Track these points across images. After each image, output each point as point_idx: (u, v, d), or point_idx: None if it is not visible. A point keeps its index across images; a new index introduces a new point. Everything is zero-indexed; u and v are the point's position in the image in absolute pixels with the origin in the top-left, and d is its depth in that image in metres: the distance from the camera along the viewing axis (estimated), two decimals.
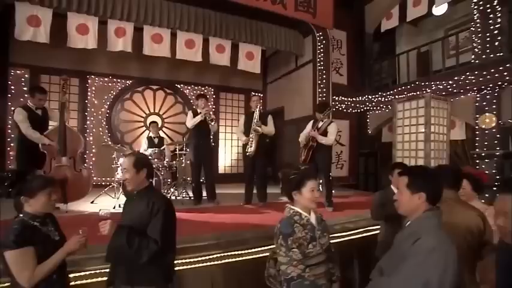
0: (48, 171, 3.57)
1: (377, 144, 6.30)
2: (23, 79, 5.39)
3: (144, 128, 6.26)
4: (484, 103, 4.42)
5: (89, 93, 5.89)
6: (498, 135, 4.27)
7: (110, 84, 6.03)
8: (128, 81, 6.17)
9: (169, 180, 4.61)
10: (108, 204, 3.84)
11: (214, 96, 7.00)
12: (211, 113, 4.38)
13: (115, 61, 5.88)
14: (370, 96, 6.09)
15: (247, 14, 5.23)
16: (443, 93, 4.79)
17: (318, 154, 3.99)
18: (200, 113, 4.23)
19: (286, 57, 6.60)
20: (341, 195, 4.79)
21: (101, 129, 5.94)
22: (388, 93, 5.68)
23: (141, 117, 6.29)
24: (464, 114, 4.75)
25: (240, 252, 2.45)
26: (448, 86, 4.77)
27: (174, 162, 4.68)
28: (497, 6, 4.35)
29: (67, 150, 3.64)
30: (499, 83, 4.21)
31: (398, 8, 5.71)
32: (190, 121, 4.23)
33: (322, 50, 5.66)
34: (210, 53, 5.19)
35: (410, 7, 5.48)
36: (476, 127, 4.51)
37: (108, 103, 5.99)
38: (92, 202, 4.12)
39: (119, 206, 3.69)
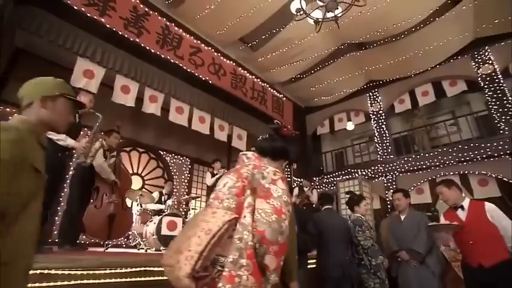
0: (99, 206, 3.59)
1: None
2: (10, 117, 5.01)
3: None
4: (389, 184, 7.14)
5: None
6: None
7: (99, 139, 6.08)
8: None
9: None
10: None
11: (190, 166, 7.72)
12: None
13: (108, 119, 6.16)
14: (314, 178, 8.26)
15: (241, 107, 6.98)
16: (366, 177, 7.37)
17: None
18: (217, 173, 5.24)
19: (252, 143, 8.33)
20: None
21: None
22: (330, 175, 8.01)
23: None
24: (379, 191, 7.33)
25: None
26: (368, 173, 7.44)
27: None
28: (386, 130, 7.67)
29: (119, 188, 3.81)
30: (395, 172, 7.09)
31: (328, 121, 8.77)
32: (211, 179, 5.14)
33: None
34: (214, 130, 6.41)
35: (336, 122, 8.60)
36: (387, 199, 7.05)
37: None
38: (106, 249, 3.95)
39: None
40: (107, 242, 3.86)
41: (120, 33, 4.71)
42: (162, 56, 5.26)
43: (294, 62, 6.98)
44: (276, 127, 1.46)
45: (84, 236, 3.74)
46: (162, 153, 7.21)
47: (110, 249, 3.92)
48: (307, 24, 4.62)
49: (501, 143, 5.80)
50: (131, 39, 4.86)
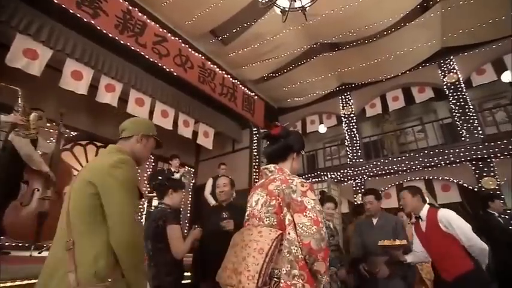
0: (27, 203, 3.11)
1: None
2: None
3: None
4: (357, 188, 7.10)
5: None
6: None
7: (51, 130, 5.48)
8: (72, 132, 5.81)
9: None
10: None
11: (153, 164, 7.25)
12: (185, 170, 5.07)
13: (53, 106, 5.58)
14: None
15: (208, 103, 6.65)
16: (335, 180, 7.29)
17: None
18: (175, 171, 4.87)
19: (222, 142, 8.03)
20: None
21: None
22: (302, 177, 7.84)
23: (77, 170, 5.73)
24: (348, 195, 7.28)
25: None
26: (338, 176, 7.36)
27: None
28: (356, 134, 7.66)
29: (56, 182, 3.35)
30: (364, 176, 7.07)
31: (301, 123, 8.66)
32: None
33: (256, 141, 7.54)
34: (178, 125, 6.03)
35: (308, 124, 8.50)
36: (355, 203, 6.99)
37: None
38: (39, 253, 3.47)
39: None
40: (41, 245, 3.39)
41: (71, 11, 4.23)
42: (122, 42, 4.82)
43: (266, 60, 6.78)
44: (265, 134, 1.56)
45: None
46: None
47: (43, 253, 3.45)
48: (279, 19, 4.43)
49: (462, 149, 5.92)
50: (85, 19, 4.39)
